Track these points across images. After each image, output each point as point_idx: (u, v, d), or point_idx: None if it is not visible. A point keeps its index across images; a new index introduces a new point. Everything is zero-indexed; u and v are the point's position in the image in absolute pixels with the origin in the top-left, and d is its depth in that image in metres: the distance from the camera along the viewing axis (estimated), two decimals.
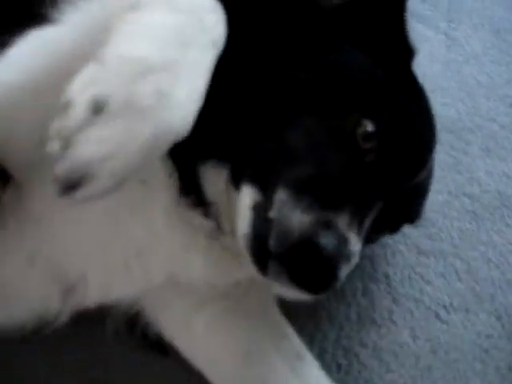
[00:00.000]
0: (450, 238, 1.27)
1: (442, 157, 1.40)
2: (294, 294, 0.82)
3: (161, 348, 1.05)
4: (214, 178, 0.89)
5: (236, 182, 0.86)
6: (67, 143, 0.61)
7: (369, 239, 0.94)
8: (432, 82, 1.53)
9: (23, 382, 1.00)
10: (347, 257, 0.79)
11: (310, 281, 0.78)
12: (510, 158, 1.40)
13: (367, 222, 0.85)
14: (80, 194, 0.61)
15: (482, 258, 1.25)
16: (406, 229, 1.27)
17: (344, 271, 0.79)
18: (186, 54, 0.68)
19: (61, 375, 1.02)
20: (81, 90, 0.62)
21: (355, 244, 0.81)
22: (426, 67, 1.55)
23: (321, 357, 1.12)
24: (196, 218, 0.90)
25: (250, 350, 1.00)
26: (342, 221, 0.79)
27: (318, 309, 1.17)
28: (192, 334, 1.01)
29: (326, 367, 1.11)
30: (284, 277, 0.78)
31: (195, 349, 1.02)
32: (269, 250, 0.78)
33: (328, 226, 0.77)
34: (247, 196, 0.82)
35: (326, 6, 0.94)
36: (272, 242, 0.77)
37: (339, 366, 1.12)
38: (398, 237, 1.26)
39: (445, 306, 1.18)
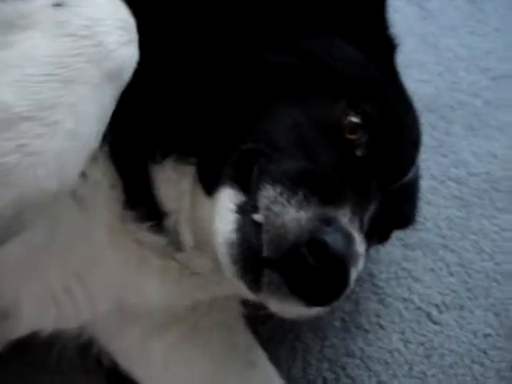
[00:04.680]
0: (438, 227, 1.17)
1: (423, 139, 1.28)
2: (295, 310, 0.69)
3: (119, 377, 0.94)
4: (172, 180, 0.77)
5: (207, 183, 0.75)
6: None
7: None
8: (407, 57, 1.40)
9: None
10: (355, 258, 0.68)
11: (315, 290, 0.66)
12: (496, 137, 1.29)
13: (366, 222, 0.76)
14: None
15: (473, 248, 1.14)
16: None
17: (353, 276, 0.68)
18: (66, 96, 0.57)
19: None
20: None
21: (360, 243, 0.70)
22: (400, 41, 1.43)
23: (304, 371, 1.02)
24: (145, 234, 0.79)
25: (213, 382, 0.90)
26: (344, 217, 0.69)
27: None
28: (149, 363, 0.91)
29: (311, 383, 1.00)
30: (283, 289, 0.67)
31: (153, 379, 0.91)
32: (262, 258, 0.66)
33: (329, 223, 0.66)
34: (227, 197, 0.71)
35: None
36: (265, 248, 0.66)
37: (325, 381, 1.02)
38: None
39: (436, 305, 1.09)
